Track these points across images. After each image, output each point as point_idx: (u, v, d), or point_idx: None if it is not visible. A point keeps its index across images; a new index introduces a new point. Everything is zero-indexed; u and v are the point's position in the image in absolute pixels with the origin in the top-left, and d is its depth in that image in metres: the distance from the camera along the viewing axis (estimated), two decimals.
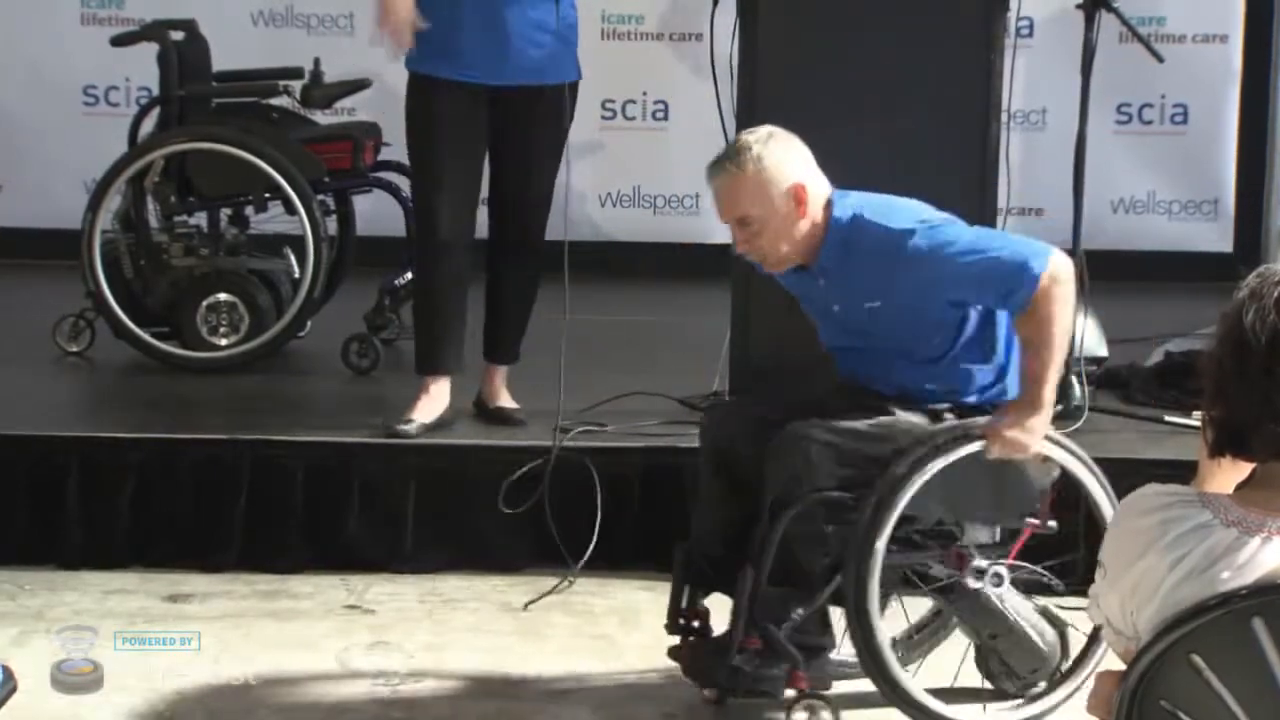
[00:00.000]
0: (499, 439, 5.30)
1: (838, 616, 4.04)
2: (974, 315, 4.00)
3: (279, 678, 4.41)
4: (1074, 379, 5.43)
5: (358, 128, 6.42)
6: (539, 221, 5.37)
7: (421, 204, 5.40)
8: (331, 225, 6.25)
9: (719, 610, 4.14)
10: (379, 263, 6.31)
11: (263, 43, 7.48)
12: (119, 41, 6.36)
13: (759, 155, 3.98)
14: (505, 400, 5.47)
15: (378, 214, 6.55)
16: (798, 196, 3.98)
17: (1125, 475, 4.63)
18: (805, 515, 3.90)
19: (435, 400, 5.37)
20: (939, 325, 4.00)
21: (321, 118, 6.61)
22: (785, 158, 4.01)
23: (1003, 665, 4.15)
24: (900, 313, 4.00)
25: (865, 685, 4.08)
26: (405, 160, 5.67)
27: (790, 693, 3.96)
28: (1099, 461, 5.11)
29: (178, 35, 6.23)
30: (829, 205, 4.03)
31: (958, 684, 4.17)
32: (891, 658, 4.00)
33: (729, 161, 4.01)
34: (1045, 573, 4.13)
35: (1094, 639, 4.09)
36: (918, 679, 4.12)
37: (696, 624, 4.17)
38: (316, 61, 6.36)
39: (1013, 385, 4.03)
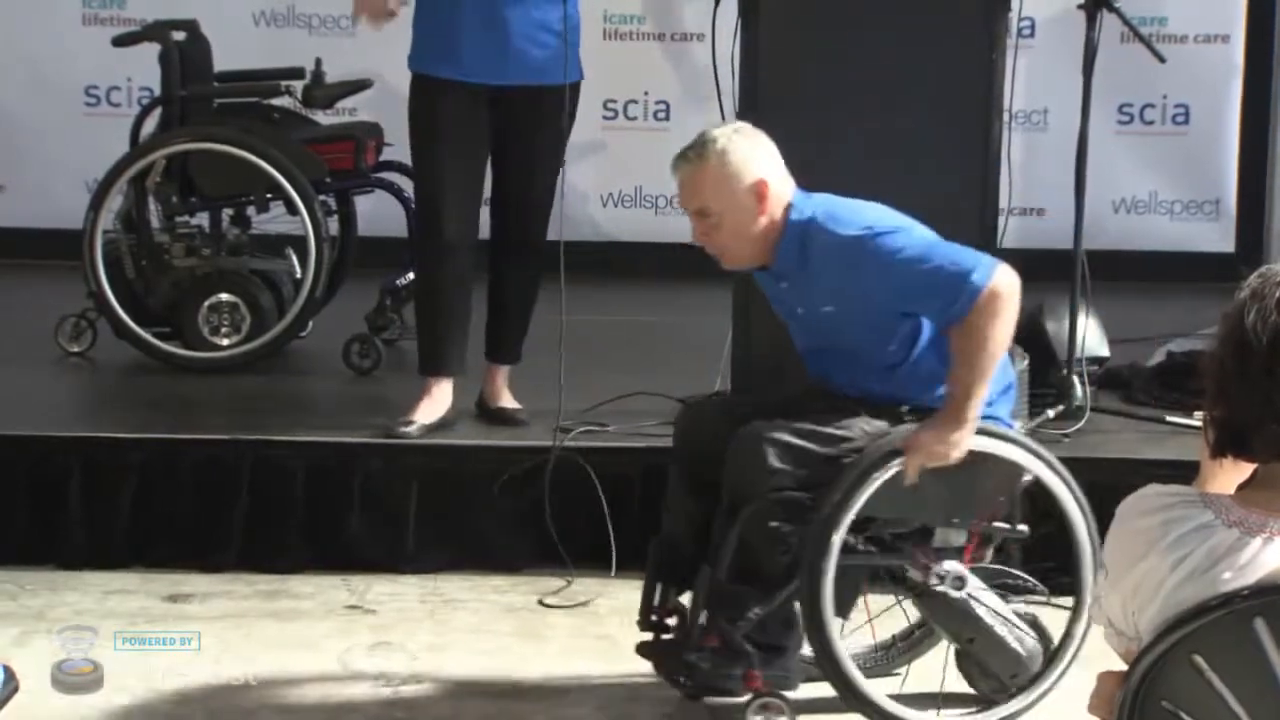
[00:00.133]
0: (501, 439, 5.30)
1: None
2: (928, 323, 3.99)
3: (280, 678, 4.41)
4: (1075, 379, 5.44)
5: (359, 128, 6.42)
6: (541, 222, 5.37)
7: (424, 204, 5.41)
8: (333, 225, 6.25)
9: None
10: (381, 263, 6.31)
11: (264, 43, 7.48)
12: (120, 42, 6.36)
13: (724, 148, 3.98)
14: (507, 400, 5.47)
15: (379, 214, 6.55)
16: (759, 193, 3.97)
17: (1126, 475, 4.65)
18: (761, 515, 3.90)
19: (437, 402, 5.36)
20: (893, 332, 3.98)
21: (323, 118, 6.61)
22: (750, 153, 4.01)
23: (981, 669, 4.13)
24: (854, 318, 3.99)
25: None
26: (407, 160, 5.67)
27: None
28: (1100, 462, 5.15)
29: (179, 35, 6.23)
30: (789, 207, 4.01)
31: (945, 689, 4.16)
32: (848, 660, 3.99)
33: (693, 151, 4.02)
34: (1027, 577, 4.12)
35: (1058, 652, 4.07)
36: (897, 683, 4.12)
37: (670, 621, 4.17)
38: (318, 62, 6.36)
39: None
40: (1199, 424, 2.42)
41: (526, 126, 5.25)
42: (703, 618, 3.99)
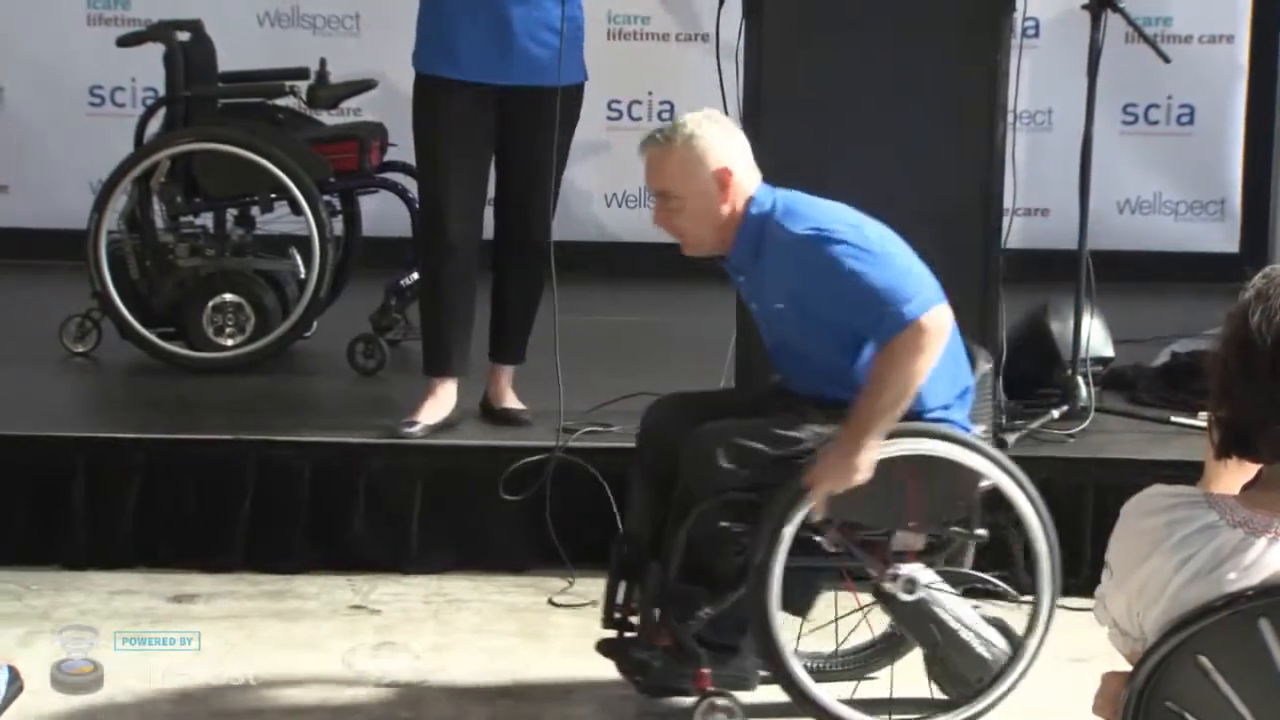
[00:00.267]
0: (505, 439, 5.30)
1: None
2: None
3: (284, 678, 4.41)
4: (1080, 379, 5.43)
5: (364, 128, 6.42)
6: (544, 222, 5.37)
7: (428, 204, 5.41)
8: (337, 226, 6.26)
9: None
10: (385, 263, 6.31)
11: (268, 43, 7.48)
12: (125, 42, 6.36)
13: (692, 133, 3.98)
14: (511, 401, 5.47)
15: (383, 214, 6.55)
16: (722, 180, 3.97)
17: (1131, 476, 4.66)
18: (710, 515, 3.90)
19: (441, 402, 5.37)
20: (840, 334, 3.96)
21: (327, 118, 6.61)
22: (717, 140, 4.00)
23: (948, 673, 4.10)
24: (803, 317, 3.98)
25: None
26: (411, 161, 5.68)
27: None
28: (1104, 463, 5.16)
29: (184, 36, 6.23)
30: (750, 200, 4.00)
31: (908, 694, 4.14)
32: (795, 663, 3.97)
33: (661, 134, 4.03)
34: (995, 580, 4.10)
35: (1015, 656, 4.06)
36: (850, 688, 4.10)
37: (632, 619, 4.16)
38: (322, 62, 6.37)
39: (934, 396, 3.98)
40: (1203, 424, 2.42)
41: (530, 127, 5.25)
42: (654, 616, 3.99)
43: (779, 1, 5.30)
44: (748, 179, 4.02)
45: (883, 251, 3.92)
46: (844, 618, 4.20)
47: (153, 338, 6.04)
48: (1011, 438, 5.22)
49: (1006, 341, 5.43)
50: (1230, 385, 2.26)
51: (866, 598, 4.12)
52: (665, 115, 7.75)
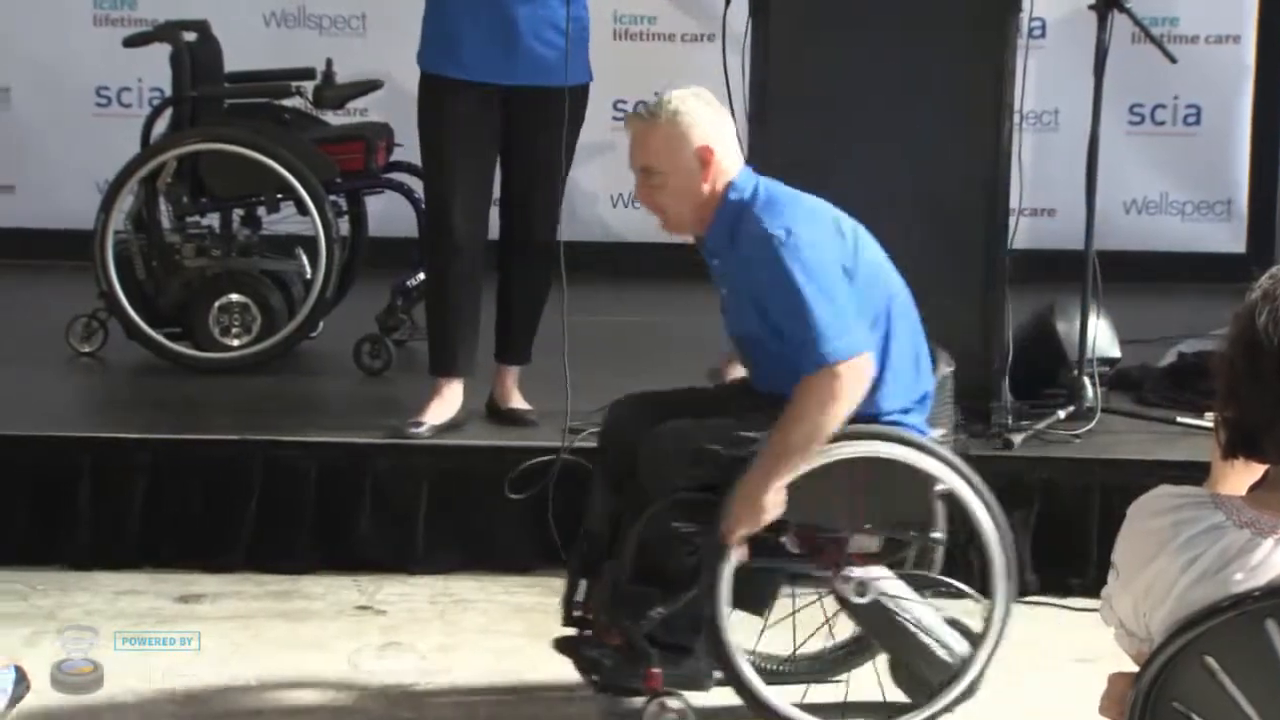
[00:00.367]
0: (510, 440, 5.30)
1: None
2: None
3: (289, 678, 4.41)
4: (1086, 380, 5.43)
5: (370, 128, 6.43)
6: (549, 222, 5.37)
7: (434, 204, 5.41)
8: (344, 226, 6.26)
9: None
10: (391, 263, 6.31)
11: (275, 43, 7.49)
12: (131, 42, 6.36)
13: (675, 110, 3.96)
14: (517, 401, 5.47)
15: (390, 215, 6.56)
16: (704, 158, 3.94)
17: (1137, 476, 4.65)
18: (663, 515, 3.89)
19: (447, 403, 5.37)
20: (790, 338, 3.92)
21: (334, 118, 6.61)
22: (701, 118, 3.97)
23: (911, 676, 4.08)
24: (760, 314, 3.96)
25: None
26: (417, 161, 5.68)
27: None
28: (1111, 463, 5.15)
29: (190, 36, 6.24)
30: (731, 185, 3.97)
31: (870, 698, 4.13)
32: (746, 665, 3.96)
33: (646, 110, 4.01)
34: (957, 583, 4.08)
35: (971, 658, 4.03)
36: (801, 691, 4.09)
37: (591, 617, 4.16)
38: (329, 62, 6.37)
39: (892, 399, 3.96)
40: (1210, 425, 2.42)
41: (535, 127, 5.25)
42: (607, 615, 4.00)
43: (786, 1, 5.30)
44: (730, 161, 4.00)
45: (831, 279, 3.86)
46: (796, 612, 4.17)
47: (159, 338, 6.04)
48: (1017, 438, 5.22)
49: (1013, 342, 5.44)
50: (1237, 385, 2.26)
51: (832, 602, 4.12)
52: None
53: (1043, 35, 7.27)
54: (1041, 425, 5.32)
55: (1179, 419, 5.50)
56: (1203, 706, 2.23)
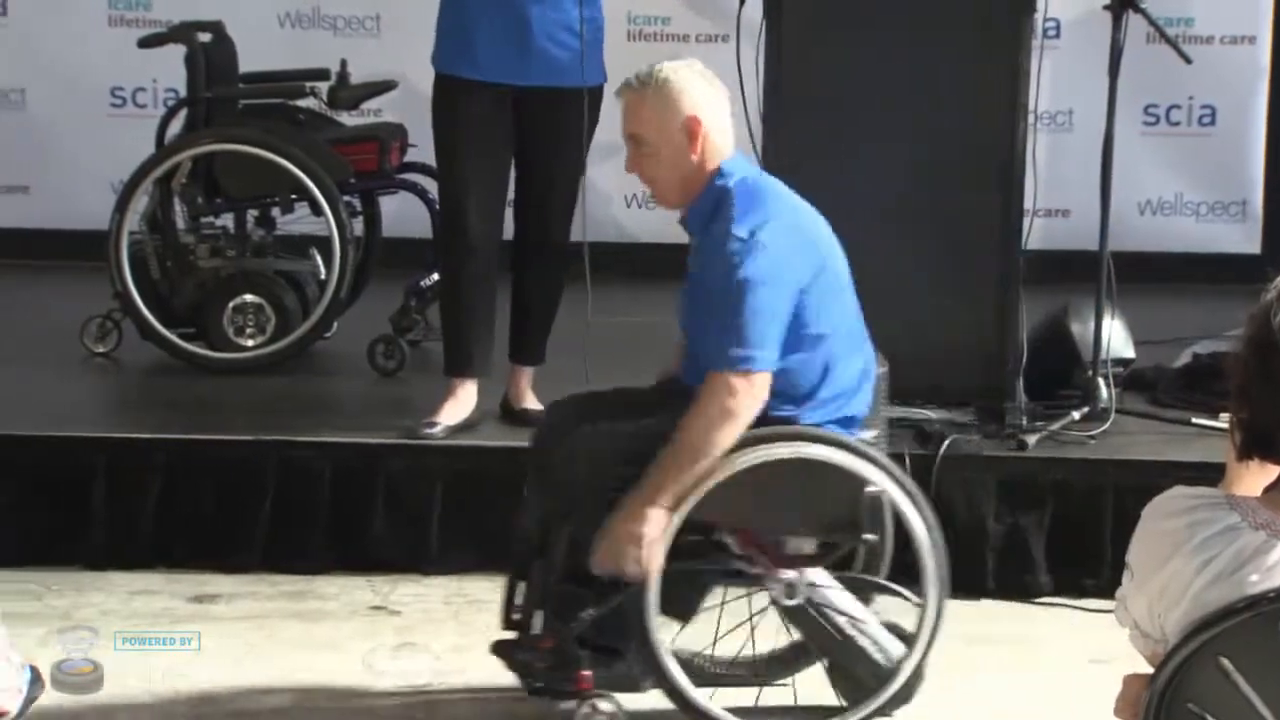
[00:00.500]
0: (525, 440, 5.29)
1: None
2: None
3: (304, 679, 4.41)
4: (1100, 380, 5.42)
5: (384, 129, 6.43)
6: (563, 223, 5.37)
7: (448, 205, 5.41)
8: (358, 226, 6.26)
9: None
10: (405, 264, 6.32)
11: (289, 44, 7.49)
12: (146, 43, 6.37)
13: (666, 79, 3.94)
14: (531, 402, 5.47)
15: (403, 215, 6.56)
16: (691, 130, 3.91)
17: (1152, 477, 4.64)
18: (591, 516, 3.87)
19: (461, 403, 5.37)
20: None
21: (348, 119, 6.62)
22: (691, 90, 3.94)
23: (848, 679, 4.05)
24: (706, 303, 3.93)
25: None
26: (431, 162, 5.68)
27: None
28: (1125, 464, 5.15)
29: (205, 37, 6.24)
30: (719, 170, 3.95)
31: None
32: (674, 666, 3.94)
33: (636, 78, 3.99)
34: (893, 585, 4.06)
35: (904, 660, 4.00)
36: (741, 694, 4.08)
37: (521, 619, 4.14)
38: (343, 63, 6.38)
39: (829, 415, 3.95)
40: (1224, 426, 2.41)
41: (548, 128, 5.25)
42: (537, 617, 3.99)
43: (799, 1, 5.30)
44: (721, 138, 3.97)
45: (773, 295, 3.82)
46: (754, 615, 4.14)
47: (173, 338, 6.05)
48: (1032, 439, 5.21)
49: (1027, 342, 5.43)
50: (1251, 386, 2.26)
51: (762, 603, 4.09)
52: None
53: (1057, 35, 7.26)
54: (1056, 426, 5.31)
55: (1193, 420, 5.49)
56: (1218, 708, 2.23)
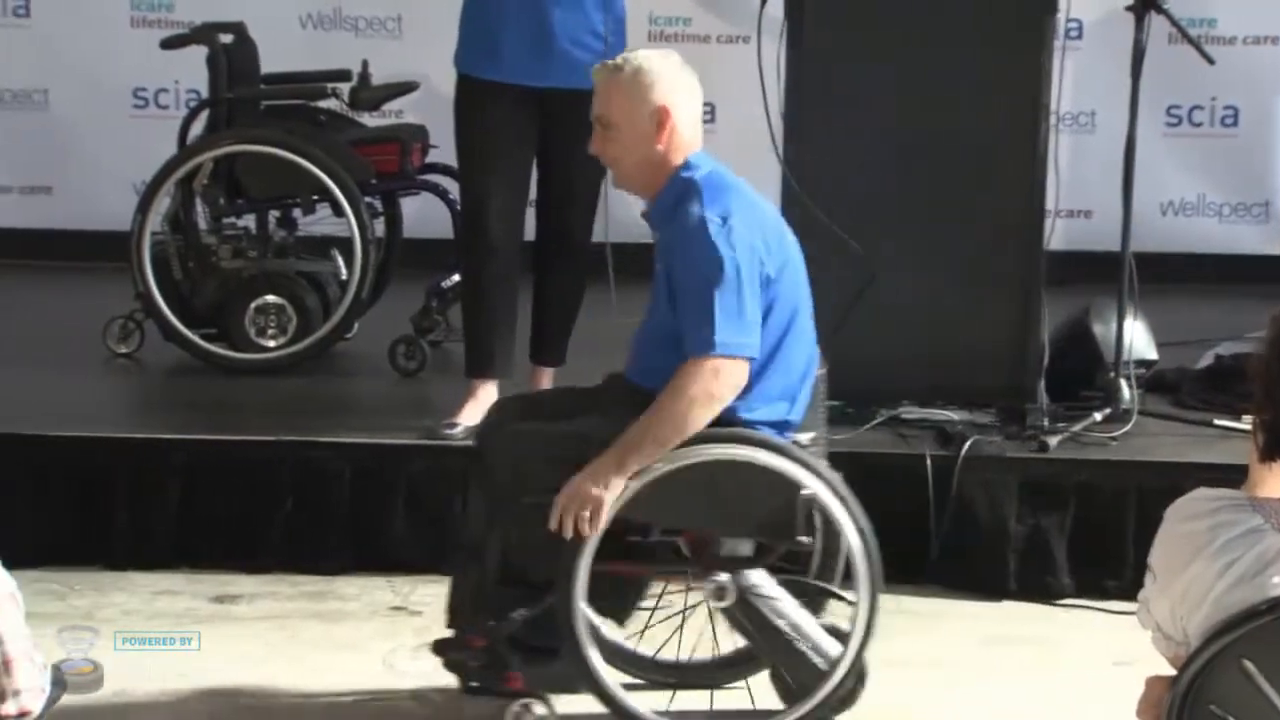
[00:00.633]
0: None
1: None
2: None
3: (325, 679, 4.42)
4: (1123, 382, 5.41)
5: (405, 130, 6.44)
6: (585, 224, 5.38)
7: (469, 206, 5.41)
8: (379, 227, 6.27)
9: None
10: (426, 265, 6.32)
11: (311, 45, 7.50)
12: (168, 44, 6.38)
13: (641, 66, 3.94)
14: None
15: (425, 216, 6.57)
16: (660, 119, 3.90)
17: (1174, 479, 4.63)
18: (522, 517, 3.87)
19: (482, 404, 5.36)
20: (674, 318, 3.90)
21: (369, 120, 6.63)
22: (665, 79, 3.93)
23: (786, 680, 4.04)
24: (668, 295, 3.91)
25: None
26: (452, 162, 5.68)
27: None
28: (1147, 466, 5.13)
29: (227, 38, 6.25)
30: (686, 163, 3.94)
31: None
32: (601, 667, 3.92)
33: (613, 61, 3.99)
34: (833, 588, 4.04)
35: (837, 662, 3.96)
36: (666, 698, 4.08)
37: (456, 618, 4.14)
38: (364, 64, 6.39)
39: (770, 412, 3.92)
40: (1247, 427, 2.41)
41: (570, 129, 5.24)
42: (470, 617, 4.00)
43: (821, 2, 5.30)
44: (689, 131, 3.96)
45: (746, 279, 3.81)
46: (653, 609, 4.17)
47: (195, 339, 6.06)
48: (1053, 440, 5.21)
49: (1049, 343, 5.42)
50: (1273, 388, 2.25)
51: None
52: (707, 118, 7.72)
53: (1079, 36, 7.24)
54: (1078, 427, 5.31)
55: (1216, 421, 5.48)
56: (1240, 710, 2.22)
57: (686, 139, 3.96)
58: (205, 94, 6.27)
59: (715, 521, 3.91)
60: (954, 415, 5.38)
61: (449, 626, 4.14)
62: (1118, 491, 5.10)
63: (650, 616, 4.15)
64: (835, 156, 5.30)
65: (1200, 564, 2.25)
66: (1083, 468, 5.17)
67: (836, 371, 5.31)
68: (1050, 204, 5.39)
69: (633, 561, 3.95)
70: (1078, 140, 7.27)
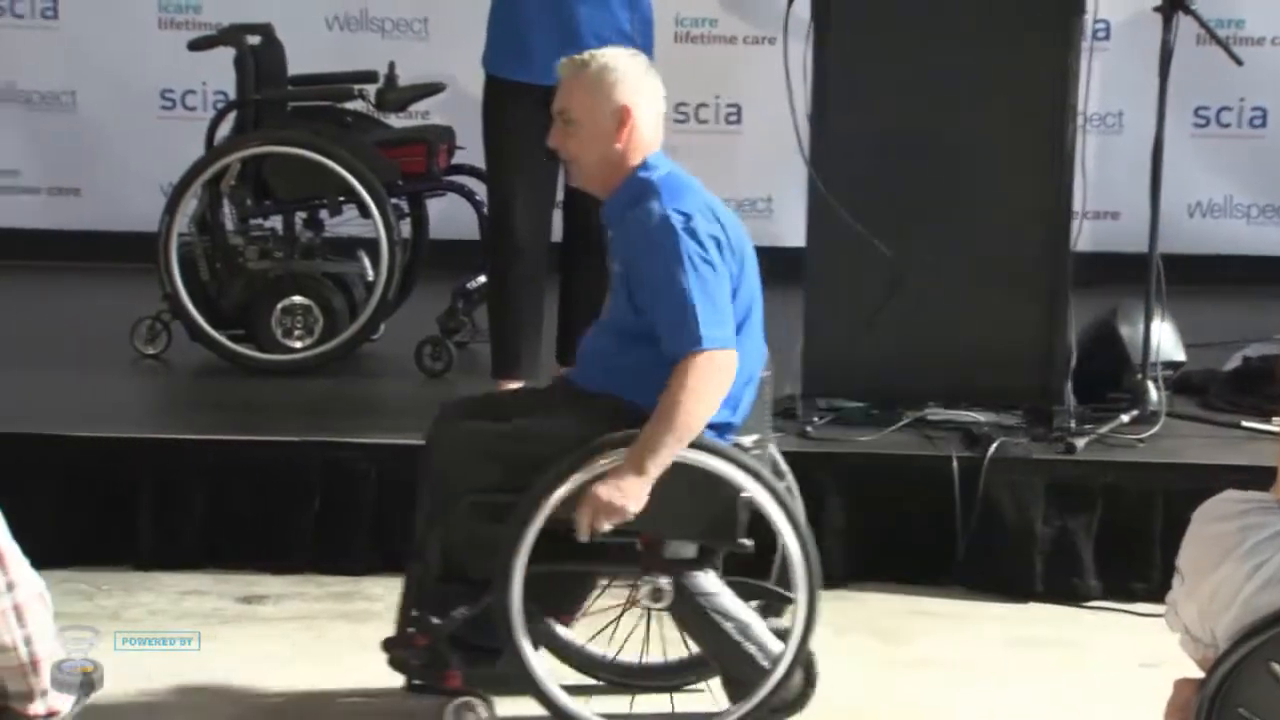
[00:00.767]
0: None
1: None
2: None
3: (353, 680, 4.42)
4: (1150, 383, 5.40)
5: (432, 131, 6.44)
6: None
7: (496, 206, 5.42)
8: (405, 228, 6.28)
9: None
10: (452, 266, 6.33)
11: (338, 46, 7.52)
12: (196, 46, 6.40)
13: (607, 64, 3.95)
14: None
15: (451, 217, 6.57)
16: (621, 118, 3.91)
17: (1202, 481, 4.61)
18: (461, 516, 3.89)
19: None
20: (635, 326, 3.90)
21: (396, 121, 6.64)
22: (630, 79, 3.94)
23: (732, 681, 4.02)
24: (626, 295, 3.92)
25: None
26: (479, 164, 5.69)
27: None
28: (1175, 468, 5.12)
29: (254, 39, 6.27)
30: (645, 164, 3.95)
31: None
32: (537, 666, 3.93)
33: (579, 57, 3.99)
34: (782, 590, 4.02)
35: (775, 664, 3.95)
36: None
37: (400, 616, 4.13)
38: (391, 65, 6.40)
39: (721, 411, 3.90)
40: (1275, 429, 2.40)
41: None
42: (412, 614, 4.00)
43: (847, 3, 5.29)
44: (650, 132, 3.97)
45: (716, 275, 3.83)
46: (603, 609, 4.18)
47: (222, 339, 6.07)
48: (1080, 442, 5.19)
49: (1076, 345, 5.41)
50: None
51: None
52: (732, 118, 7.75)
53: (1107, 37, 7.23)
54: (1105, 429, 5.29)
55: (1244, 423, 5.46)
56: (1268, 713, 2.21)
57: (646, 139, 3.97)
58: (232, 95, 6.29)
59: (655, 523, 3.89)
60: (980, 417, 5.37)
61: (397, 624, 4.15)
62: (1145, 493, 5.08)
63: (619, 620, 4.14)
64: (862, 158, 5.29)
65: (1229, 566, 2.24)
66: (1110, 470, 5.16)
67: (864, 373, 5.33)
68: (1077, 205, 5.38)
69: (574, 561, 3.96)
70: (1105, 141, 7.25)
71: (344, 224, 6.22)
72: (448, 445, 4.02)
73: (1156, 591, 4.36)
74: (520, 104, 5.23)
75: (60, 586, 4.94)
